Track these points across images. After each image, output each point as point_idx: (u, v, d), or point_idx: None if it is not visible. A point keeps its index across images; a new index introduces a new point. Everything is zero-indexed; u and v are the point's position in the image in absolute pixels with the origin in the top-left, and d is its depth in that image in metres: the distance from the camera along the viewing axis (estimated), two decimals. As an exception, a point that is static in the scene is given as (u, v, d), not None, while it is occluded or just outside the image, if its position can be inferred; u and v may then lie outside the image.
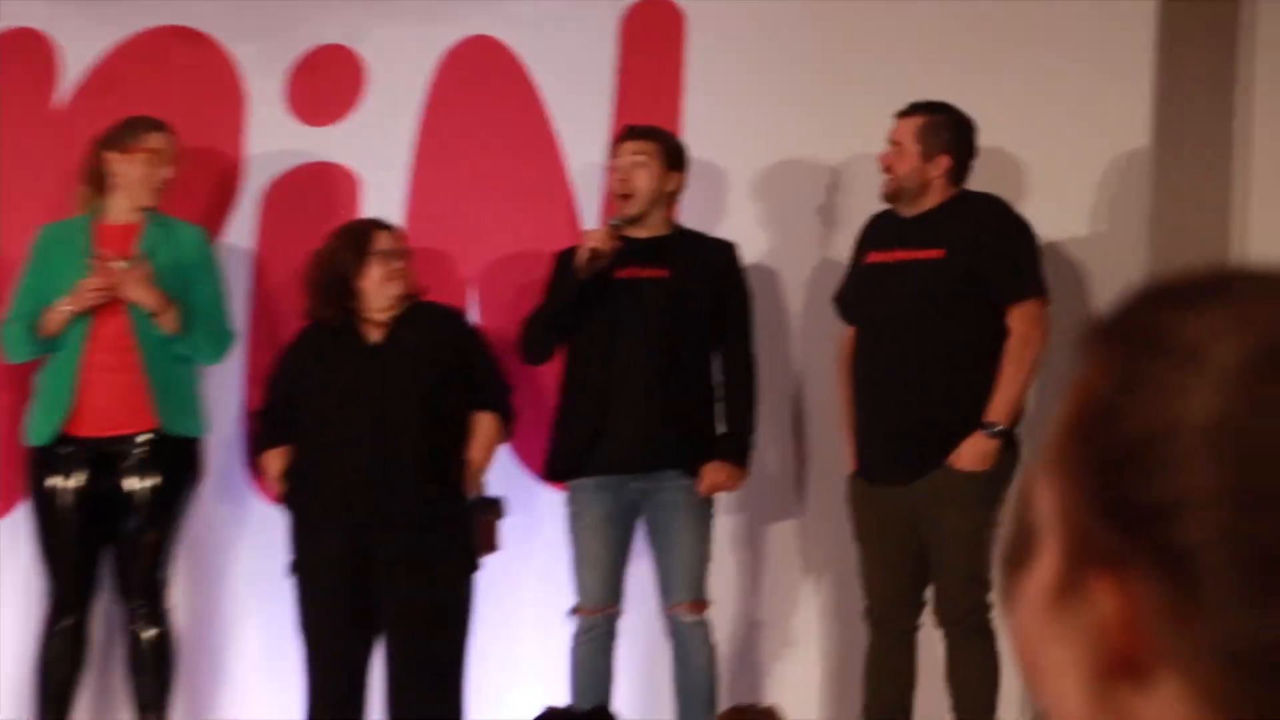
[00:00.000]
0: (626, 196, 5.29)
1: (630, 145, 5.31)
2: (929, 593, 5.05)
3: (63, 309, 5.36)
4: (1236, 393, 0.77)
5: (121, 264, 5.35)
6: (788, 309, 5.59)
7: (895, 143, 5.11)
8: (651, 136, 5.34)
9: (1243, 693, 0.76)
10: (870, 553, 5.08)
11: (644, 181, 5.29)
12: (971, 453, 4.92)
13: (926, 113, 5.10)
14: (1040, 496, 0.83)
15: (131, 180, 5.47)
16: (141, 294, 5.34)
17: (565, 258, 5.33)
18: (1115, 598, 0.78)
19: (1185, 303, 0.81)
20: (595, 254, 5.15)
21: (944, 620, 5.00)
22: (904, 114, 5.13)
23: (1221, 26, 5.33)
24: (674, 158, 5.33)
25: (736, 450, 5.19)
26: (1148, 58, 5.29)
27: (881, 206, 5.21)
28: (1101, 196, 5.36)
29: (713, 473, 5.13)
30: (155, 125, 5.53)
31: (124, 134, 5.51)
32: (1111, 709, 0.79)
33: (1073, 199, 5.36)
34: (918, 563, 5.01)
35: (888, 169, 5.12)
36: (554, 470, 5.33)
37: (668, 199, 5.36)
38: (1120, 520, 0.78)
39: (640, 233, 5.33)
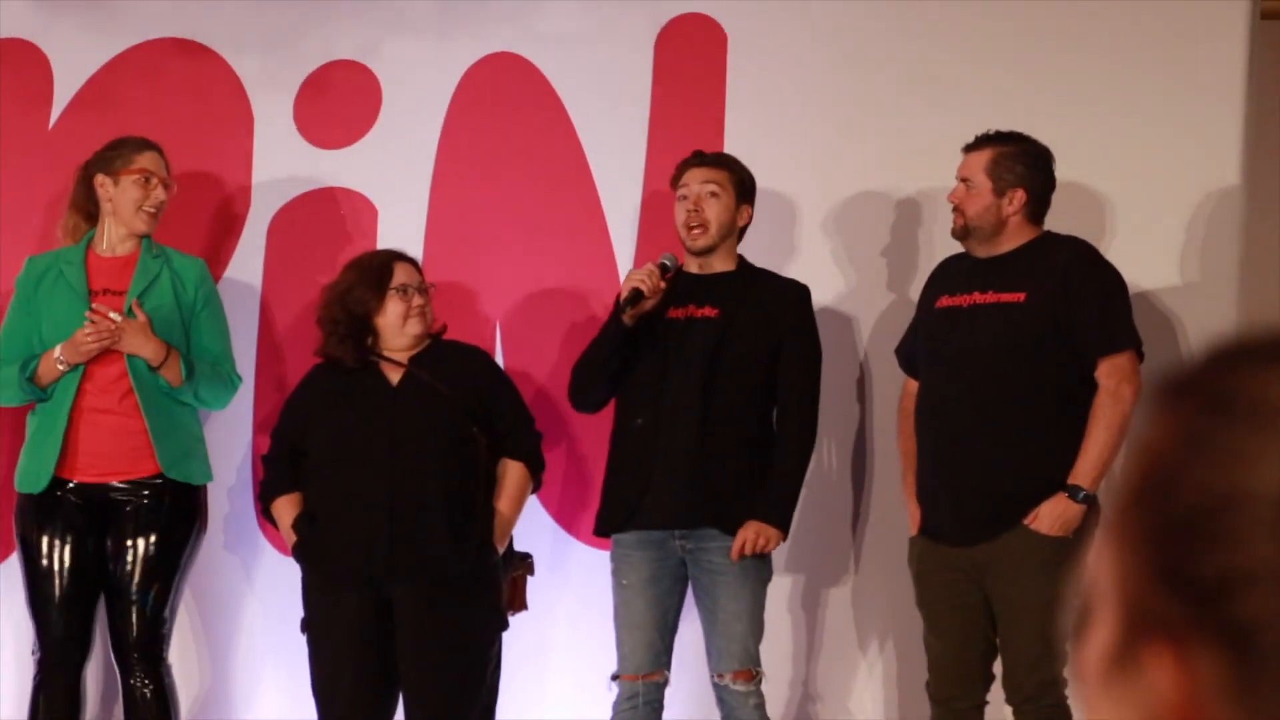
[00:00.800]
0: (696, 229, 4.91)
1: (701, 173, 4.95)
2: (998, 666, 4.68)
3: (58, 364, 5.02)
4: None
5: (117, 316, 5.00)
6: (853, 355, 5.21)
7: (964, 179, 4.74)
8: (723, 164, 5.00)
9: None
10: (933, 622, 4.74)
11: (716, 213, 4.93)
12: (1051, 516, 4.57)
13: (997, 144, 4.75)
14: (1100, 562, 0.80)
15: (121, 206, 5.14)
16: (140, 347, 5.02)
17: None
18: (1173, 671, 0.76)
19: (1258, 363, 0.78)
20: (637, 294, 4.76)
21: (1013, 698, 4.66)
22: (971, 147, 4.77)
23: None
24: (745, 189, 4.98)
25: (772, 510, 4.81)
26: (1239, 88, 4.94)
27: (949, 244, 4.84)
28: (1189, 238, 5.00)
29: (740, 536, 4.74)
30: (146, 145, 5.19)
31: (113, 155, 5.18)
32: None
33: (1157, 240, 5.02)
34: (985, 634, 4.67)
35: (956, 207, 4.75)
36: (603, 525, 4.96)
37: (738, 234, 5.00)
38: (1181, 591, 0.76)
39: (703, 271, 4.97)
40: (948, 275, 4.86)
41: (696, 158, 5.00)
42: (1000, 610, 4.63)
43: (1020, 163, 4.75)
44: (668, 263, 4.90)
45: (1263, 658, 0.74)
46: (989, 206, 4.74)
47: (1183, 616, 0.76)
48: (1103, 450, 4.57)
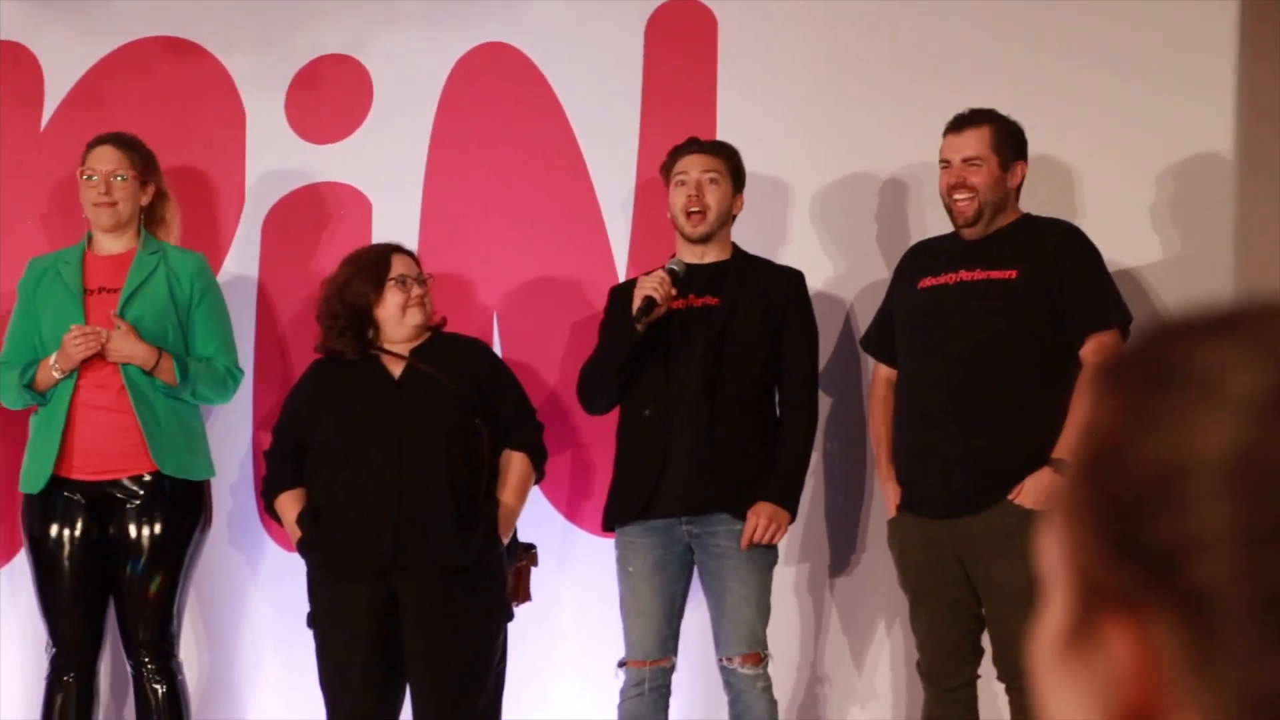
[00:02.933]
0: (695, 214, 4.91)
1: (699, 159, 4.94)
2: (986, 641, 4.69)
3: (54, 371, 5.04)
4: (1254, 426, 0.75)
5: (100, 332, 4.99)
6: (849, 339, 5.21)
7: (970, 159, 4.72)
8: (721, 152, 4.99)
9: None
10: (919, 601, 4.74)
11: (716, 200, 4.94)
12: (1036, 490, 4.56)
13: (990, 120, 4.75)
14: (1052, 540, 0.81)
15: (84, 205, 5.12)
16: (128, 354, 5.01)
17: (620, 295, 4.97)
18: (1129, 642, 0.76)
19: (1199, 336, 0.79)
20: (651, 303, 4.76)
21: (1005, 675, 4.65)
22: (966, 124, 4.75)
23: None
24: (739, 177, 4.99)
25: (781, 492, 4.82)
26: (1229, 61, 4.92)
27: (943, 226, 4.83)
28: (1178, 214, 4.99)
29: (754, 516, 4.75)
30: (101, 141, 5.19)
31: (84, 153, 5.14)
32: None
33: (1146, 217, 4.99)
34: (971, 610, 4.67)
35: (965, 187, 4.73)
36: (615, 519, 4.95)
37: (732, 221, 5.00)
38: (1134, 561, 0.76)
39: (701, 259, 4.98)
40: (927, 257, 4.85)
41: (694, 144, 4.99)
42: (985, 587, 4.62)
43: (1015, 135, 4.77)
44: (676, 269, 4.89)
45: (1218, 622, 0.74)
46: (998, 180, 4.74)
47: (1137, 587, 0.76)
48: None
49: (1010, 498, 4.58)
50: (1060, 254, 4.68)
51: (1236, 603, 0.74)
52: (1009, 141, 4.75)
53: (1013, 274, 4.69)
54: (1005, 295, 4.67)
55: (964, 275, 4.73)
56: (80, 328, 4.98)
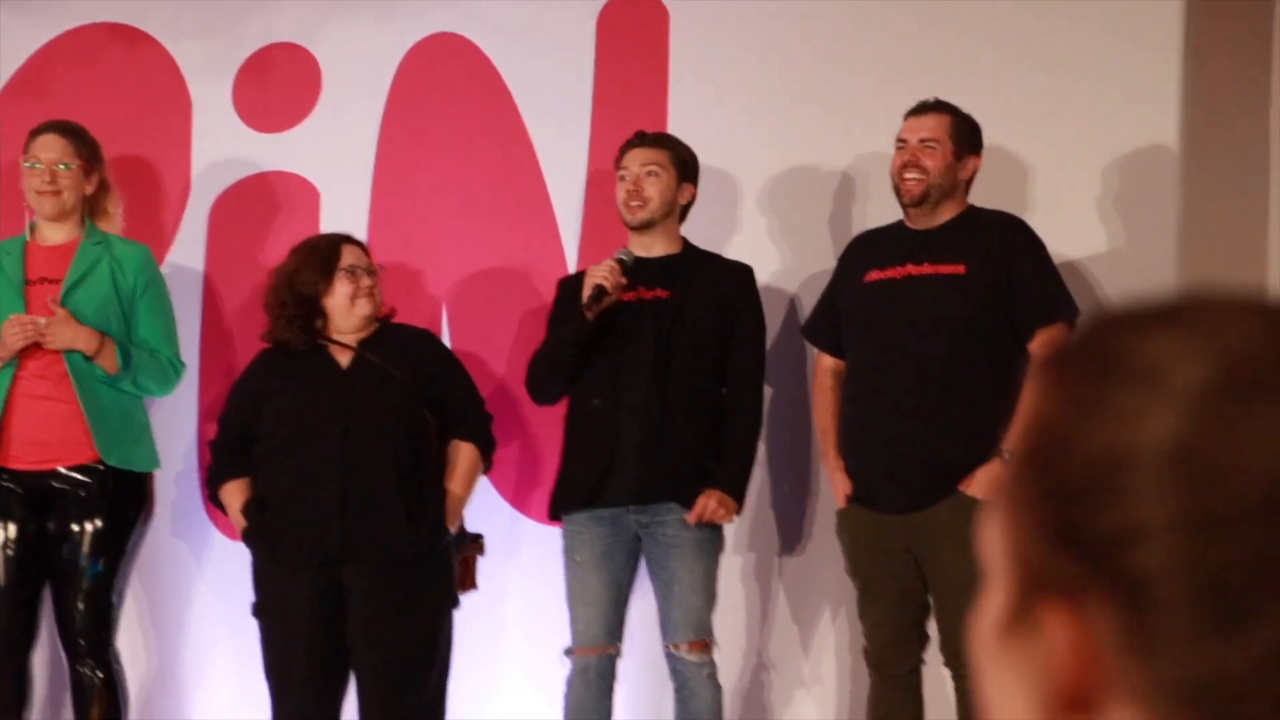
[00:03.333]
0: (635, 205, 4.92)
1: (641, 153, 4.97)
2: (933, 628, 4.72)
3: None
4: (1195, 416, 0.75)
5: (42, 320, 4.95)
6: (795, 331, 5.22)
7: (929, 140, 4.75)
8: (664, 144, 5.01)
9: None
10: (868, 591, 4.77)
11: (657, 192, 4.95)
12: (988, 480, 4.59)
13: (952, 111, 4.79)
14: (994, 528, 0.82)
15: (27, 193, 5.07)
16: (70, 341, 4.97)
17: (569, 287, 4.97)
18: (1068, 628, 0.77)
19: (1140, 326, 0.80)
20: (601, 292, 4.77)
21: (952, 663, 4.68)
22: (929, 109, 4.79)
23: (1254, 16, 5.01)
24: (687, 168, 5.00)
25: (729, 481, 4.85)
26: (1175, 57, 4.96)
27: (889, 218, 4.86)
28: (1123, 207, 5.02)
29: (702, 501, 4.77)
30: (44, 129, 5.14)
31: (27, 141, 5.11)
32: None
33: (1091, 210, 5.02)
34: (918, 599, 4.71)
35: (916, 167, 4.76)
36: (561, 508, 4.96)
37: (679, 212, 5.01)
38: (1075, 548, 0.77)
39: (649, 252, 4.99)
40: (873, 249, 4.87)
41: (637, 138, 5.00)
42: (935, 577, 4.65)
43: (974, 131, 4.80)
44: (625, 258, 4.90)
45: (1156, 609, 0.75)
46: (950, 167, 4.77)
47: (1077, 573, 0.77)
48: None
49: (962, 488, 4.61)
50: (1008, 248, 4.71)
51: (1174, 591, 0.74)
52: (966, 133, 4.79)
53: (961, 269, 4.72)
54: (954, 291, 4.70)
55: (911, 269, 4.75)
56: (18, 317, 4.95)
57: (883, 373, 4.73)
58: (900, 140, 4.80)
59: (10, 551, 5.00)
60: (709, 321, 4.89)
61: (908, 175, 4.78)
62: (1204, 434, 0.75)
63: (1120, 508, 0.76)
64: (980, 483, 4.59)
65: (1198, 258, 4.89)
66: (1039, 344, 4.64)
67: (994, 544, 0.82)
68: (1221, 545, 0.74)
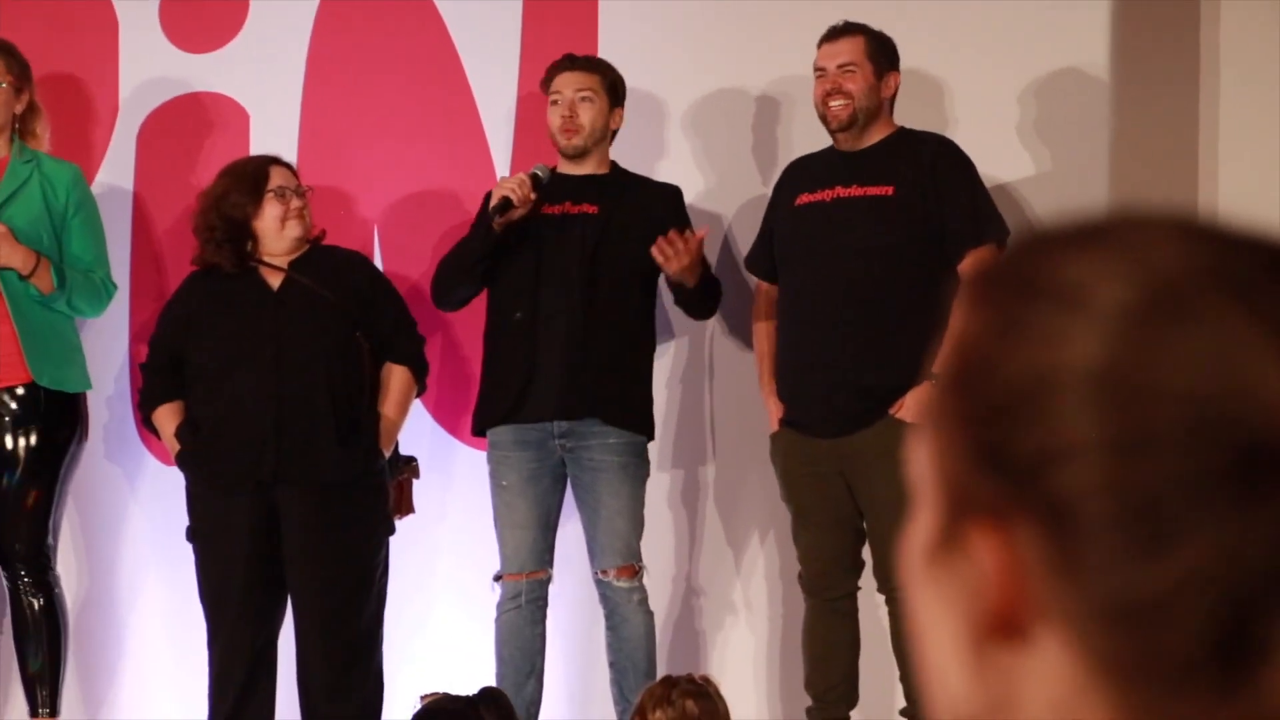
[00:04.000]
0: (569, 132, 4.90)
1: (573, 77, 4.94)
2: (867, 554, 4.75)
3: None
4: (1119, 337, 0.75)
5: None
6: (722, 252, 5.22)
7: (846, 65, 4.75)
8: (596, 69, 4.99)
9: (1124, 648, 0.74)
10: (802, 515, 4.79)
11: (590, 118, 4.94)
12: (917, 404, 4.60)
13: (865, 32, 4.79)
14: (920, 450, 0.82)
15: None
16: (5, 257, 4.92)
17: (491, 197, 4.94)
18: (994, 550, 0.76)
19: (1066, 247, 0.79)
20: (506, 203, 4.75)
21: (884, 587, 4.70)
22: (841, 34, 4.79)
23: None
24: (617, 93, 4.99)
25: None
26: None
27: (818, 143, 4.86)
28: (1054, 129, 5.04)
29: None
30: None
31: None
32: (989, 670, 0.77)
33: (1023, 131, 5.04)
34: (853, 524, 4.73)
35: (840, 93, 4.76)
36: (482, 422, 4.95)
37: (610, 136, 4.99)
38: (999, 470, 0.77)
39: (577, 170, 4.95)
40: (804, 173, 4.87)
41: (568, 61, 4.97)
42: (866, 500, 4.67)
43: (890, 48, 4.81)
44: (540, 173, 4.88)
45: (1081, 530, 0.75)
46: (872, 88, 4.77)
47: (1003, 495, 0.76)
48: None
49: (891, 412, 4.62)
50: (936, 168, 4.71)
51: (1099, 512, 0.74)
52: (882, 51, 4.79)
53: (889, 190, 4.72)
54: (882, 212, 4.70)
55: (840, 192, 4.76)
56: None
57: (811, 296, 4.74)
58: (819, 69, 4.80)
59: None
60: (638, 241, 4.86)
61: (833, 103, 4.78)
62: (1128, 356, 0.75)
63: (1044, 429, 0.76)
64: (909, 406, 4.60)
65: (1128, 179, 4.92)
66: (968, 265, 4.65)
67: (922, 466, 0.82)
68: (1145, 466, 0.74)
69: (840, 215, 4.73)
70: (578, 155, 4.95)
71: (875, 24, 4.82)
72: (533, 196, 4.80)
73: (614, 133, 5.01)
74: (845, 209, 4.73)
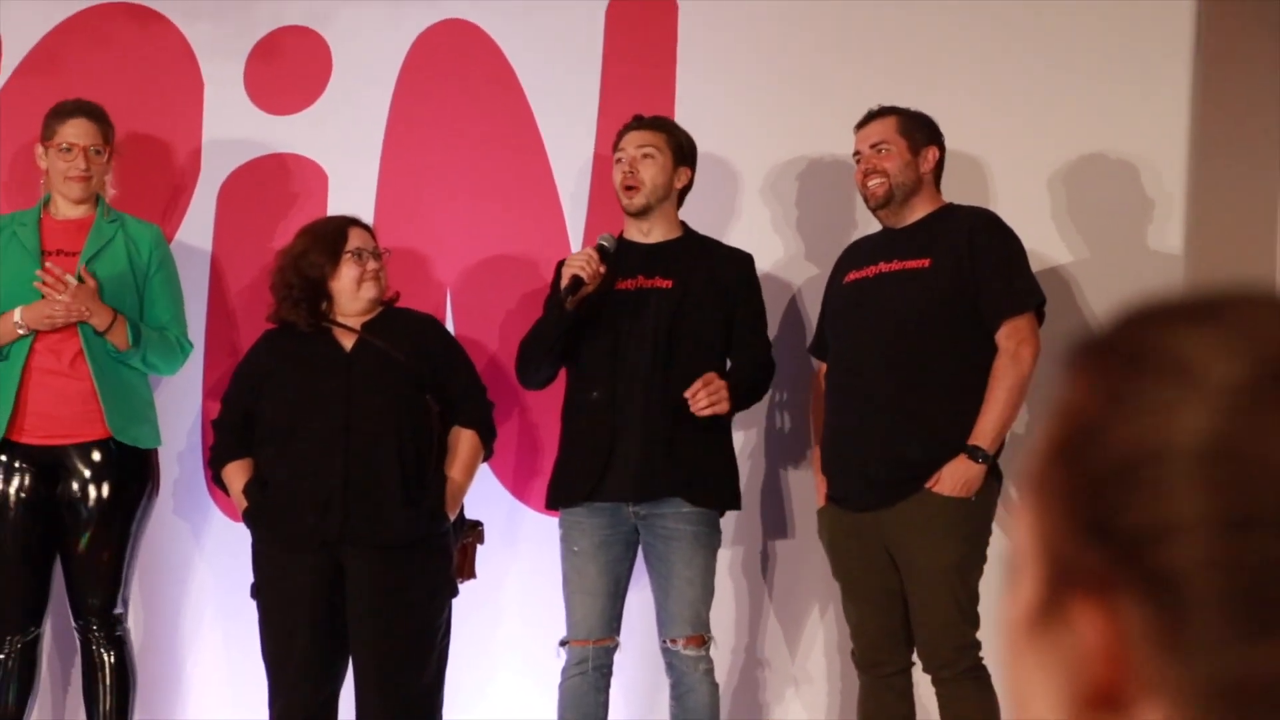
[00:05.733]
0: (631, 189, 4.92)
1: (637, 136, 4.95)
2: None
3: (17, 328, 5.02)
4: (1231, 414, 0.75)
5: (71, 279, 4.97)
6: (795, 322, 5.21)
7: (876, 144, 4.77)
8: (660, 127, 4.99)
9: None
10: (851, 590, 4.74)
11: (651, 175, 4.94)
12: (953, 478, 4.56)
13: (895, 112, 4.81)
14: (1023, 521, 0.81)
15: (52, 175, 5.16)
16: (84, 314, 4.99)
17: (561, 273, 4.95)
18: (1098, 624, 0.76)
19: (1179, 321, 0.79)
20: (578, 282, 4.76)
21: (930, 665, 4.64)
22: (873, 118, 4.82)
23: (1266, 14, 5.00)
24: (684, 152, 4.98)
25: (732, 378, 4.80)
26: (1185, 54, 4.95)
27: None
28: (1133, 207, 5.01)
29: (697, 384, 4.72)
30: (73, 112, 5.15)
31: (47, 123, 5.19)
32: None
33: (1102, 209, 5.02)
34: (900, 597, 4.67)
35: (876, 172, 4.78)
36: (558, 500, 4.94)
37: (676, 196, 4.99)
38: (1105, 543, 0.76)
39: (648, 238, 4.97)
40: (856, 253, 4.88)
41: (635, 121, 4.98)
42: (908, 575, 4.62)
43: (925, 123, 4.80)
44: (606, 244, 4.88)
45: (1185, 605, 0.74)
46: (908, 164, 4.77)
47: (1108, 568, 0.76)
48: (1002, 411, 4.58)
49: (928, 486, 4.58)
50: (973, 239, 4.68)
51: (1206, 588, 0.74)
52: (916, 127, 4.79)
53: (926, 263, 4.70)
54: (918, 284, 4.68)
55: (882, 267, 4.76)
56: (46, 283, 4.95)
57: (852, 370, 4.72)
58: (855, 153, 4.84)
59: (20, 526, 5.01)
60: (712, 312, 4.86)
61: (870, 181, 4.80)
62: (1238, 432, 0.75)
63: (1152, 503, 0.75)
64: (947, 480, 4.55)
65: (1205, 256, 4.88)
66: (1005, 335, 4.61)
67: (1023, 534, 0.81)
68: (1253, 545, 0.73)
69: (879, 289, 4.73)
70: (640, 213, 4.95)
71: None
72: (602, 270, 4.80)
73: (682, 193, 4.99)
74: (884, 283, 4.73)
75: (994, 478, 4.60)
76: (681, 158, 4.96)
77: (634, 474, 4.78)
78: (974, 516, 4.55)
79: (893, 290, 4.68)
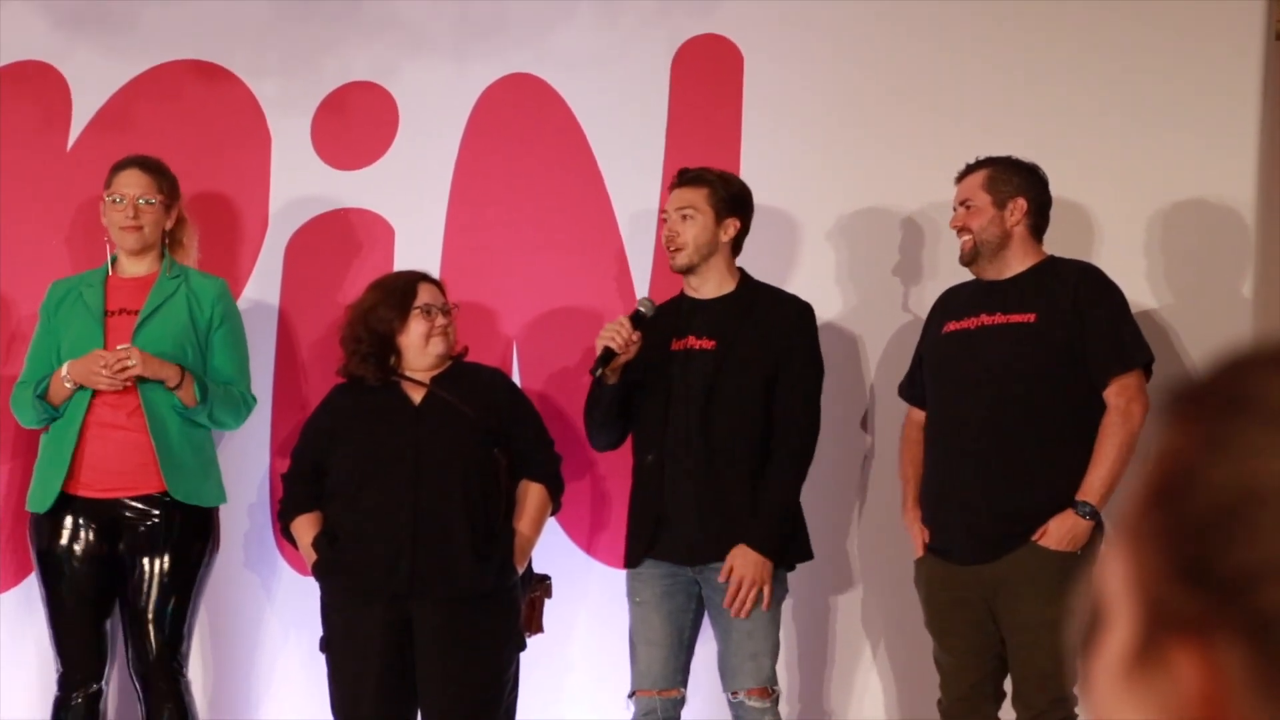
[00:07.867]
0: (673, 250, 4.92)
1: (678, 195, 4.94)
2: (1008, 684, 4.69)
3: (65, 383, 5.05)
4: None
5: (123, 348, 5.00)
6: (857, 372, 5.21)
7: (963, 202, 4.78)
8: (700, 182, 4.93)
9: None
10: (944, 641, 4.74)
11: (693, 235, 4.91)
12: (1059, 532, 4.57)
13: (987, 165, 4.81)
14: (1115, 565, 0.80)
15: (110, 228, 5.18)
16: (156, 370, 5.01)
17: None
18: (1197, 668, 0.75)
19: (1270, 365, 0.79)
20: (609, 354, 4.76)
21: (1023, 716, 4.63)
22: (966, 173, 4.84)
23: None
24: (729, 204, 4.92)
25: (761, 538, 4.73)
26: (1253, 105, 4.94)
27: (958, 266, 4.86)
28: (1200, 258, 5.00)
29: (735, 572, 4.70)
30: (128, 164, 5.20)
31: (107, 177, 5.17)
32: None
33: (1169, 261, 5.00)
34: (995, 652, 4.67)
35: (963, 230, 4.80)
36: (629, 558, 4.95)
37: (726, 249, 4.96)
38: (1203, 586, 0.76)
39: (699, 293, 4.96)
40: (953, 302, 4.88)
41: (677, 178, 4.95)
42: (1009, 627, 4.62)
43: (1015, 174, 4.80)
44: (644, 310, 4.87)
45: None
46: (992, 219, 4.78)
47: (1206, 612, 0.76)
48: (1112, 467, 4.59)
49: (1034, 539, 4.58)
50: (1078, 295, 4.69)
51: None
52: (1001, 181, 4.79)
53: (1031, 317, 4.71)
54: (1025, 339, 4.69)
55: (985, 319, 4.76)
56: (100, 353, 4.98)
57: (955, 422, 4.72)
58: (953, 206, 4.85)
59: (82, 580, 5.04)
60: (755, 370, 4.82)
61: (960, 238, 4.83)
62: None
63: (1250, 545, 0.75)
64: (1053, 534, 4.58)
65: (1274, 304, 4.87)
66: (1114, 393, 4.63)
67: (1115, 580, 0.81)
68: None
69: (982, 342, 4.73)
70: (686, 271, 4.94)
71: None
72: (635, 338, 4.78)
73: (735, 242, 4.94)
74: (988, 336, 4.73)
75: (1099, 533, 4.60)
76: (727, 209, 4.91)
77: (684, 539, 4.78)
78: (1079, 571, 4.53)
79: (996, 343, 4.69)
